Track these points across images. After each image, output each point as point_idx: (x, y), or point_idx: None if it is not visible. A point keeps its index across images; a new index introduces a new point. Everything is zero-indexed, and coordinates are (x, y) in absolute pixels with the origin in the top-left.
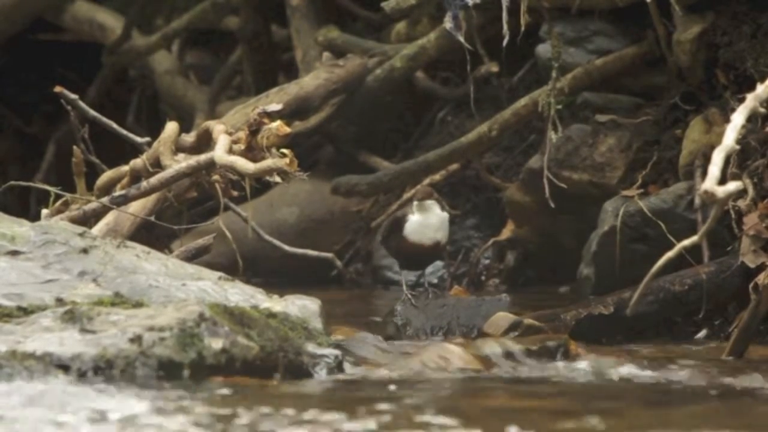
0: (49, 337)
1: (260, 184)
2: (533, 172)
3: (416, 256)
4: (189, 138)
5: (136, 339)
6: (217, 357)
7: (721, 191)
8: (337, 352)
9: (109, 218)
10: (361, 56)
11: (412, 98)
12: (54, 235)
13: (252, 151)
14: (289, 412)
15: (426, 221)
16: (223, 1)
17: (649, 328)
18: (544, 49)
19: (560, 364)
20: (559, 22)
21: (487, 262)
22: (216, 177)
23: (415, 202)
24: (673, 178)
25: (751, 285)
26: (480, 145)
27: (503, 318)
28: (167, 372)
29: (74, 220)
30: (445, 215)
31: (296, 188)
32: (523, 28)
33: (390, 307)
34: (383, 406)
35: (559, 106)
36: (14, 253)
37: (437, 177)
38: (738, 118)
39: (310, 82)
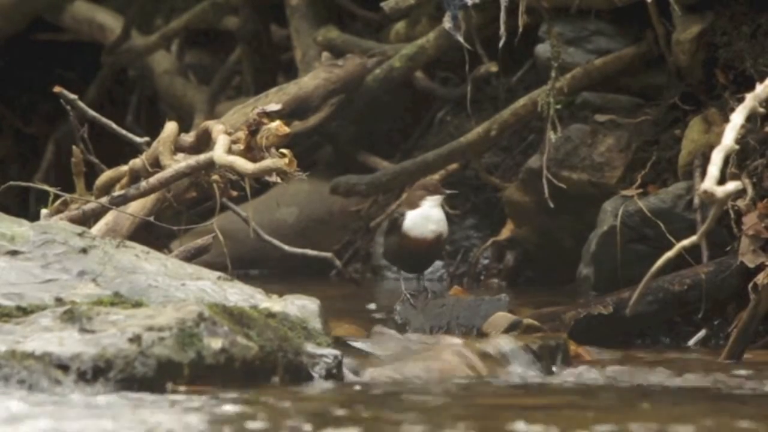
0: (48, 337)
1: (260, 184)
2: (532, 172)
3: (419, 254)
4: (188, 138)
5: (136, 339)
6: (216, 357)
7: (721, 191)
8: (336, 352)
9: (108, 218)
10: (361, 56)
11: (411, 98)
12: (53, 234)
13: (251, 151)
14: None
15: (427, 213)
16: (223, 1)
17: (648, 328)
18: (543, 49)
19: (559, 364)
20: (559, 22)
21: (486, 261)
22: (215, 177)
23: (427, 197)
24: (673, 178)
25: (750, 285)
26: (479, 145)
27: (503, 318)
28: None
29: (73, 220)
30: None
31: (296, 188)
32: (521, 28)
33: (390, 307)
34: (380, 407)
35: (559, 106)
36: (14, 253)
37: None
38: (737, 117)
39: (309, 82)
